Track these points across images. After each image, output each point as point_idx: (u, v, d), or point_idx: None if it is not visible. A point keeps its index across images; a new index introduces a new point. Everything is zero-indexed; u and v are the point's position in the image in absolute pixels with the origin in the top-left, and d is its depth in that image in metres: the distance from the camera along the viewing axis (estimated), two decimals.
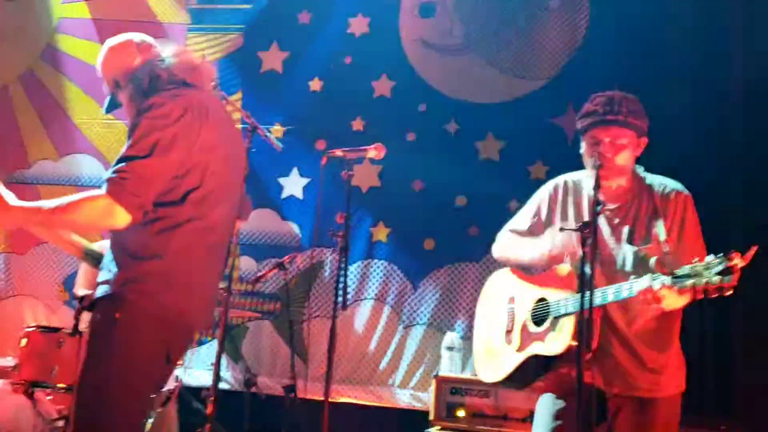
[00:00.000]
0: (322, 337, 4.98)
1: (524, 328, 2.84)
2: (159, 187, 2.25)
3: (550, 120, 5.10)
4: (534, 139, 5.13)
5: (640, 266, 2.61)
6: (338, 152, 3.33)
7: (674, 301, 2.44)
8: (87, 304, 2.39)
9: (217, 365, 3.68)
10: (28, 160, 6.03)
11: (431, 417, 4.32)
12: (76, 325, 4.00)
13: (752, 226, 4.34)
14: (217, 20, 5.91)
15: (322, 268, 5.39)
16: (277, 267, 4.60)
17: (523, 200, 3.06)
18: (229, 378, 5.27)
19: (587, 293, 2.39)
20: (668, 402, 2.65)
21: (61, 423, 4.07)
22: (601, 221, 2.71)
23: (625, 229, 2.69)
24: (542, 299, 2.80)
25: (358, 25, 5.63)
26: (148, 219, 2.26)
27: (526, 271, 2.99)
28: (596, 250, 2.49)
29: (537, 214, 2.93)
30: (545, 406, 2.77)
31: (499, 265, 3.10)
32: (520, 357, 2.80)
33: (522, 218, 3.00)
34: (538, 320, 2.79)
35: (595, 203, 2.50)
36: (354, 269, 5.27)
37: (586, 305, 2.39)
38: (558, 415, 2.70)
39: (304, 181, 5.53)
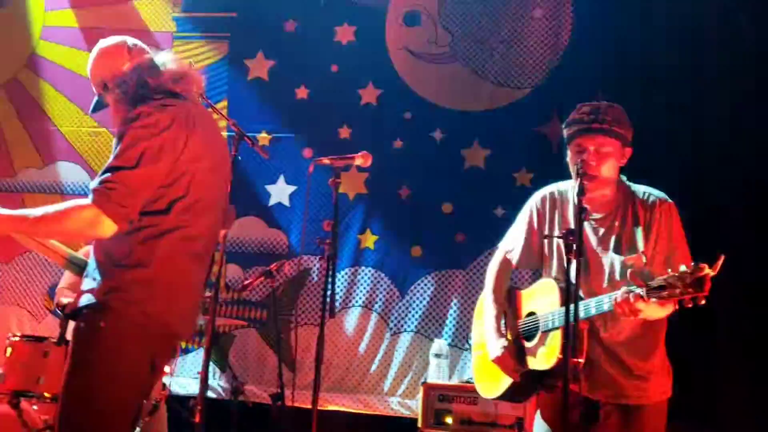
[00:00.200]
0: (309, 344, 4.98)
1: (518, 343, 2.85)
2: (145, 197, 2.26)
3: (535, 128, 5.14)
4: (519, 146, 5.16)
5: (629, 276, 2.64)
6: (325, 160, 3.32)
7: (655, 312, 2.47)
8: (69, 311, 2.37)
9: (205, 373, 3.66)
10: (14, 168, 6.01)
11: (419, 424, 4.33)
12: (62, 334, 3.96)
13: (727, 228, 4.40)
14: (204, 29, 5.91)
15: (309, 276, 5.39)
16: (265, 275, 4.59)
17: (508, 207, 3.08)
18: (217, 386, 5.25)
19: (572, 306, 2.41)
20: (655, 408, 2.68)
21: None
22: (588, 231, 2.71)
23: (612, 239, 2.70)
24: (531, 313, 2.83)
25: (345, 34, 5.64)
26: (133, 227, 2.27)
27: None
28: (581, 257, 2.50)
29: (529, 224, 2.91)
30: (542, 427, 2.80)
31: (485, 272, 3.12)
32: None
33: (515, 235, 2.98)
34: (529, 335, 2.81)
35: (580, 210, 2.50)
36: (341, 276, 5.27)
37: (572, 318, 2.40)
38: None
39: (291, 188, 5.53)
